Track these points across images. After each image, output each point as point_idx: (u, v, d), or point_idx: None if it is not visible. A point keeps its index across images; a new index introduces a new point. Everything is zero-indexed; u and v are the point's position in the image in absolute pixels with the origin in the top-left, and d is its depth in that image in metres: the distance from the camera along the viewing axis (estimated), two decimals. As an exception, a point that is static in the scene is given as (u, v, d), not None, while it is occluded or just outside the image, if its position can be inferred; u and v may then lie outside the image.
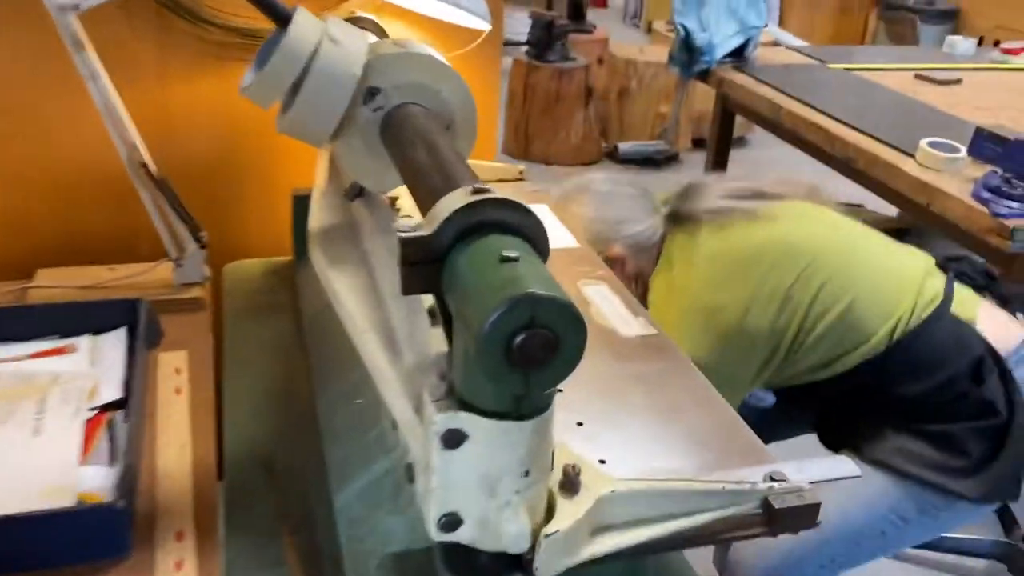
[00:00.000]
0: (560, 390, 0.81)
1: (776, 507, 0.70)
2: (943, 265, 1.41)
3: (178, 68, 1.36)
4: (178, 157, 1.37)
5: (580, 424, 0.82)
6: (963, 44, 3.32)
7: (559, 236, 1.23)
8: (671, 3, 3.18)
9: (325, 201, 0.99)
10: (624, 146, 4.50)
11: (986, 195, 1.91)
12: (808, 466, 0.77)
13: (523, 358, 0.53)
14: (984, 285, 1.42)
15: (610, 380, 0.90)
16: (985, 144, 2.06)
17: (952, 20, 5.07)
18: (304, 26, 0.82)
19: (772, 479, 0.74)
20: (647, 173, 4.49)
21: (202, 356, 1.15)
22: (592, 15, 7.98)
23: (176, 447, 0.98)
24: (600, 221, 1.41)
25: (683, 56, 3.14)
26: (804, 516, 0.71)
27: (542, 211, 1.32)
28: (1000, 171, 1.94)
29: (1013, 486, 1.27)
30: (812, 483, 0.74)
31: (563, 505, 0.64)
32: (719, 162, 3.32)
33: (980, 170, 2.01)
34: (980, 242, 1.91)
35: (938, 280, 1.34)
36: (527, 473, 0.60)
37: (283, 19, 0.82)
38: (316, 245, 0.92)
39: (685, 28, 3.08)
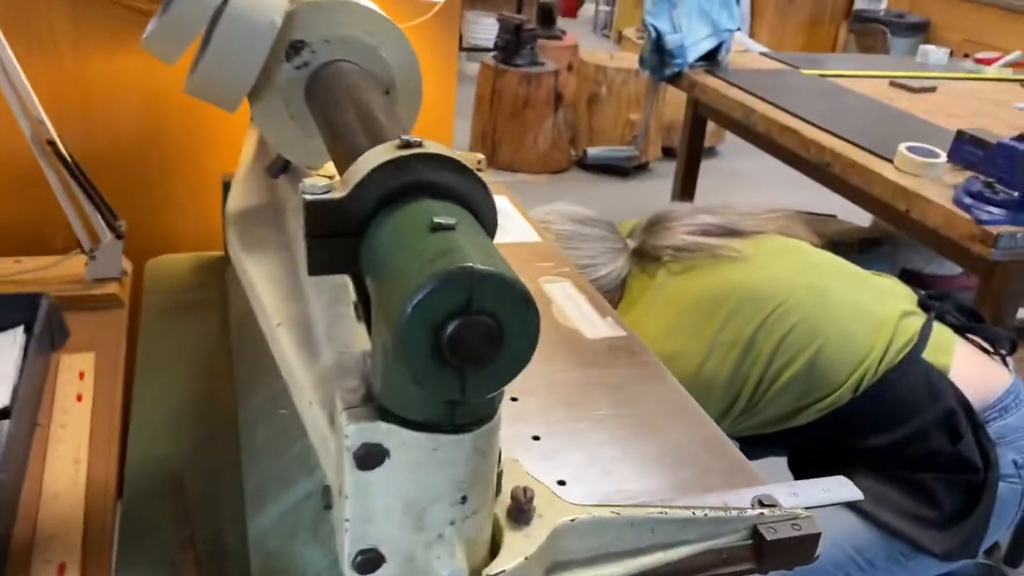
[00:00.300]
0: (515, 399, 0.69)
1: (768, 538, 0.58)
2: (925, 304, 1.32)
3: (96, 39, 1.22)
4: (96, 138, 1.23)
5: (536, 438, 0.70)
6: (936, 53, 3.28)
7: (519, 228, 1.12)
8: (642, 11, 3.10)
9: (249, 180, 0.87)
10: (593, 150, 4.40)
11: (968, 201, 1.83)
12: (804, 489, 0.66)
13: (457, 352, 0.41)
14: (967, 327, 1.34)
15: (573, 388, 0.78)
16: (966, 148, 1.99)
17: (922, 33, 5.05)
18: (213, -33, 0.69)
19: (762, 504, 0.62)
20: (615, 183, 4.40)
21: (112, 359, 1.01)
22: (561, 24, 7.92)
23: (69, 462, 0.85)
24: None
25: (654, 59, 3.05)
26: (800, 549, 0.59)
27: (501, 202, 1.21)
28: (981, 176, 1.86)
29: (976, 544, 1.21)
30: (808, 509, 0.63)
31: (511, 538, 0.52)
32: (689, 172, 3.23)
33: (960, 176, 1.94)
34: (961, 249, 1.83)
35: (916, 320, 1.25)
36: (464, 499, 0.47)
37: (191, -42, 0.70)
38: (232, 229, 0.79)
39: (656, 29, 2.99)
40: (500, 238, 1.04)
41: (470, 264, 0.40)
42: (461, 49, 6.26)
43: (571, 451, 0.69)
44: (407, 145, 0.48)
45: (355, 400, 0.47)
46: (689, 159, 3.18)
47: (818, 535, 0.60)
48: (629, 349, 0.84)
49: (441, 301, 0.40)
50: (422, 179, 0.47)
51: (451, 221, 0.44)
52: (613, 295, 1.36)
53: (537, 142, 4.46)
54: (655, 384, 0.79)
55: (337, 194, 0.47)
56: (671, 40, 2.95)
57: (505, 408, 0.67)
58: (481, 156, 1.31)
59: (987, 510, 1.18)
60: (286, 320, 0.63)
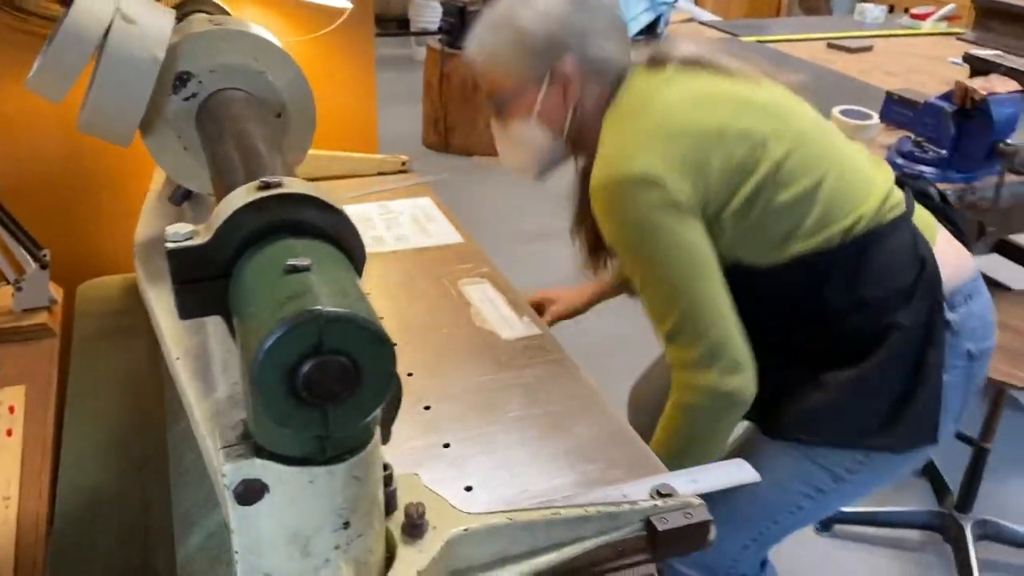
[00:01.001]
0: (428, 407, 0.70)
1: (660, 529, 0.61)
2: (901, 181, 1.31)
3: (9, 68, 1.21)
4: (17, 167, 1.23)
5: (447, 446, 0.72)
6: (873, 11, 3.30)
7: (442, 231, 1.13)
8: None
9: (155, 209, 0.87)
10: (543, 132, 4.41)
11: (900, 160, 1.86)
12: (702, 475, 0.68)
13: (314, 392, 0.42)
14: (940, 208, 1.32)
15: (487, 392, 0.80)
16: (896, 109, 2.02)
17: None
18: (91, 4, 0.70)
19: (659, 494, 0.65)
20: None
21: (43, 391, 1.02)
22: None
23: None
24: (562, 23, 1.14)
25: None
26: (692, 537, 0.62)
27: (426, 204, 1.22)
28: (912, 136, 1.90)
29: (930, 429, 1.21)
30: (703, 494, 0.65)
31: (405, 553, 0.54)
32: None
33: (894, 136, 1.97)
34: (896, 209, 1.86)
35: (899, 192, 1.24)
36: (347, 525, 0.49)
37: (68, -3, 0.70)
38: (138, 260, 0.79)
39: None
40: (423, 241, 1.06)
41: (319, 307, 0.42)
42: (409, 33, 6.22)
43: (480, 457, 0.71)
44: (267, 186, 0.49)
45: (233, 438, 0.48)
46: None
47: (708, 523, 0.62)
48: (543, 347, 0.86)
49: (292, 345, 0.42)
50: (282, 219, 0.49)
51: (305, 263, 0.45)
52: (602, 85, 1.17)
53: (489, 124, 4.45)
54: (566, 381, 0.81)
55: (200, 240, 0.48)
56: (610, 17, 2.96)
57: (417, 417, 0.69)
58: (405, 158, 1.32)
59: (930, 391, 1.18)
60: (185, 354, 0.64)
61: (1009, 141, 1.82)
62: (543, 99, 1.14)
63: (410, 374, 0.80)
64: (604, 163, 1.05)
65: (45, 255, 1.13)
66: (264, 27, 1.24)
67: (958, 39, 3.17)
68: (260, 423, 0.46)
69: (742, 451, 1.22)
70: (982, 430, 1.95)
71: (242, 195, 0.49)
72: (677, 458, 1.02)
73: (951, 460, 2.13)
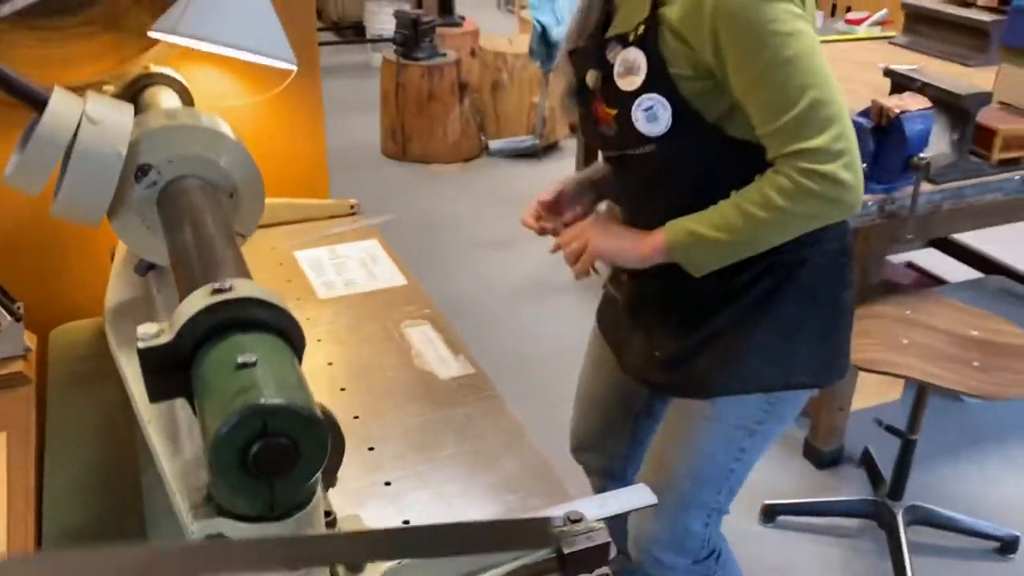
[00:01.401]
0: (371, 448, 0.81)
1: (566, 552, 0.72)
2: None
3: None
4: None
5: (388, 484, 0.83)
6: (809, 18, 3.44)
7: (385, 273, 1.23)
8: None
9: (122, 276, 0.97)
10: (495, 144, 4.52)
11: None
12: (608, 500, 0.79)
13: (261, 468, 0.53)
14: None
15: (425, 431, 0.90)
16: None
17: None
18: (60, 109, 0.79)
19: (570, 520, 0.76)
20: (526, 165, 4.52)
21: (23, 437, 1.10)
22: (465, 2, 7.96)
23: (-10, 543, 0.95)
24: None
25: (542, 50, 3.17)
26: (595, 556, 0.73)
27: (372, 247, 1.32)
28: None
29: (845, 364, 1.30)
30: (606, 517, 0.77)
31: (348, 587, 0.65)
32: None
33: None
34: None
35: None
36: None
37: (38, 103, 0.79)
38: (108, 326, 0.89)
39: (541, 24, 3.10)
40: (370, 284, 1.16)
41: (262, 400, 0.52)
42: (366, 40, 6.29)
43: (418, 492, 0.81)
44: (219, 291, 0.60)
45: (198, 500, 0.59)
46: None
47: (607, 544, 0.73)
48: (476, 386, 0.97)
49: (241, 431, 0.52)
50: (232, 318, 0.59)
51: (252, 359, 0.55)
52: None
53: (446, 133, 4.55)
54: (496, 417, 0.92)
55: (165, 339, 0.58)
56: (556, 32, 3.07)
57: (362, 458, 0.80)
58: (354, 201, 1.42)
59: (849, 329, 1.27)
60: (155, 417, 0.74)
61: (922, 155, 1.96)
62: None
63: (356, 417, 0.91)
64: None
65: (19, 307, 1.21)
66: (220, 88, 1.34)
67: (890, 43, 3.32)
68: (219, 490, 0.57)
69: (668, 436, 1.33)
70: (909, 423, 2.09)
71: (198, 299, 0.59)
72: (748, 233, 1.08)
73: (886, 451, 2.27)
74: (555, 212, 1.30)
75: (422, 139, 4.55)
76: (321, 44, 6.27)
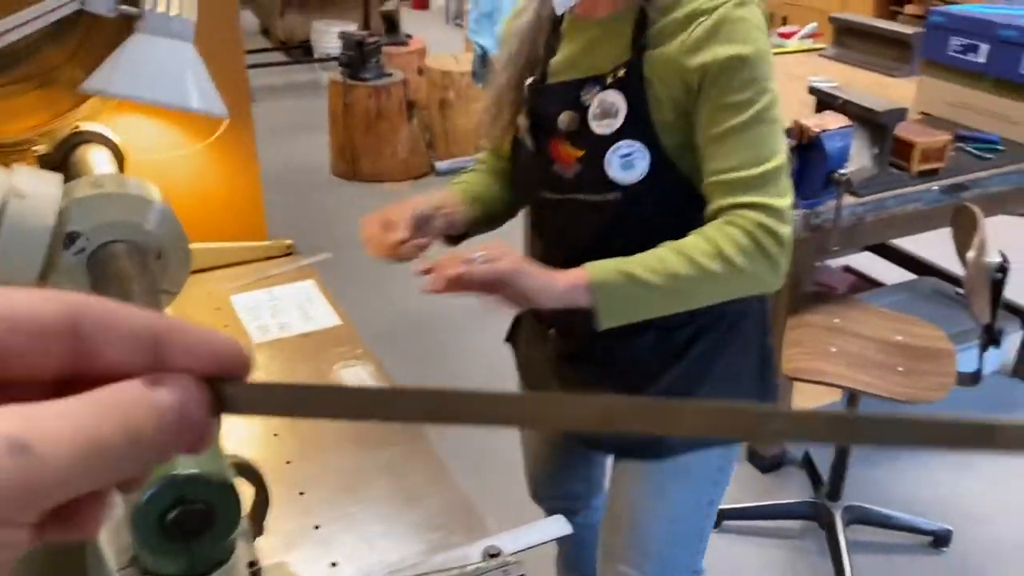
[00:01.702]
0: (302, 493, 0.86)
1: (483, 587, 0.77)
2: None
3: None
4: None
5: (317, 527, 0.87)
6: (743, 33, 3.54)
7: (321, 314, 1.27)
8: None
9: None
10: (441, 164, 4.59)
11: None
12: (524, 534, 0.85)
13: (179, 531, 0.57)
14: None
15: (353, 474, 0.95)
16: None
17: None
18: (-13, 185, 0.83)
19: (489, 555, 0.81)
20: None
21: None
22: (414, 17, 8.01)
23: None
24: None
25: (484, 72, 3.23)
26: (510, 590, 0.79)
27: (308, 288, 1.36)
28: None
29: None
30: (522, 550, 0.82)
31: (273, 632, 0.69)
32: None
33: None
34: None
35: None
36: (220, 619, 0.64)
37: (-34, 179, 0.83)
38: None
39: (482, 47, 3.16)
40: (305, 326, 1.20)
41: (178, 471, 0.57)
42: (314, 60, 6.31)
43: (345, 534, 0.86)
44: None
45: (125, 561, 0.63)
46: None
47: (523, 574, 0.79)
48: (404, 426, 1.02)
49: (160, 500, 0.57)
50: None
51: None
52: None
53: (396, 151, 4.59)
54: (420, 456, 0.97)
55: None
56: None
57: (293, 503, 0.85)
58: (289, 242, 1.46)
59: (774, 371, 1.29)
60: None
61: (842, 171, 2.05)
62: None
63: (288, 462, 0.96)
64: None
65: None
66: (155, 139, 1.37)
67: (820, 55, 3.43)
68: (142, 552, 0.61)
69: (635, 497, 1.28)
70: (842, 427, 2.17)
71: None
72: (689, 284, 1.00)
73: (826, 453, 2.36)
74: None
75: (372, 158, 4.59)
76: (269, 65, 6.29)
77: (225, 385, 0.28)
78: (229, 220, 1.50)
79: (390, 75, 4.56)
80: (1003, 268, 1.91)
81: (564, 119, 1.10)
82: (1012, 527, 2.30)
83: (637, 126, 1.06)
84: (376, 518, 0.88)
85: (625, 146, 1.06)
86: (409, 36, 5.33)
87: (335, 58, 4.70)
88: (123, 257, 0.85)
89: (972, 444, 0.28)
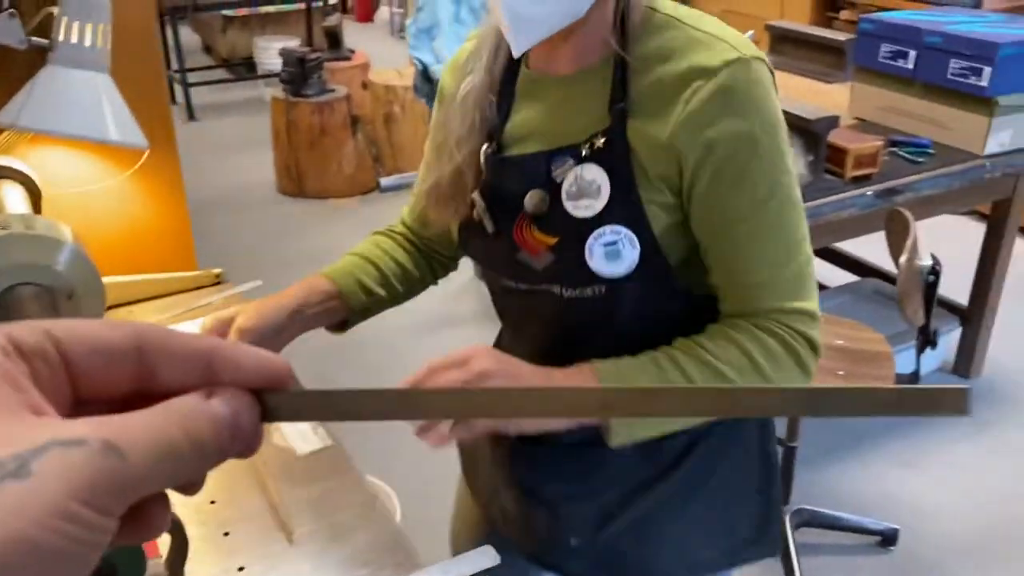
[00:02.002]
0: (227, 533, 0.84)
1: (409, 623, 0.76)
2: None
3: None
4: None
5: (241, 569, 0.85)
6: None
7: (251, 346, 1.25)
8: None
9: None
10: (386, 180, 4.57)
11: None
12: (452, 566, 0.84)
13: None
14: None
15: (280, 511, 0.93)
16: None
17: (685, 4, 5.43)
18: None
19: (417, 591, 0.80)
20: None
21: None
22: (358, 30, 7.97)
23: None
24: None
25: (426, 87, 3.21)
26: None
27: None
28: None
29: (777, 525, 1.11)
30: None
31: None
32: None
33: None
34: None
35: None
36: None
37: None
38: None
39: (422, 62, 3.15)
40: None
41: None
42: (257, 77, 6.24)
43: (271, 573, 0.84)
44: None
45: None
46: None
47: (450, 613, 0.78)
48: (333, 458, 1.01)
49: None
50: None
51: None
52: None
53: (341, 167, 4.56)
54: (349, 490, 0.96)
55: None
56: (436, 70, 3.12)
57: (217, 544, 0.83)
58: (219, 271, 1.44)
59: (778, 485, 1.10)
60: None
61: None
62: None
63: (213, 502, 0.93)
64: (727, 44, 0.84)
65: None
66: (75, 171, 1.34)
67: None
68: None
69: None
70: (788, 431, 2.20)
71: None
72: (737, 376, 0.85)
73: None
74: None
75: (317, 174, 4.55)
76: (212, 83, 6.20)
77: (270, 396, 0.31)
78: (156, 250, 1.47)
79: (333, 91, 4.53)
80: (935, 271, 1.95)
81: (531, 199, 0.91)
82: (957, 523, 2.34)
83: (623, 208, 0.87)
84: (303, 556, 0.87)
85: (610, 232, 0.87)
86: (352, 51, 5.31)
87: (278, 74, 4.65)
88: (31, 300, 0.82)
89: (912, 409, 0.31)
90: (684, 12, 0.89)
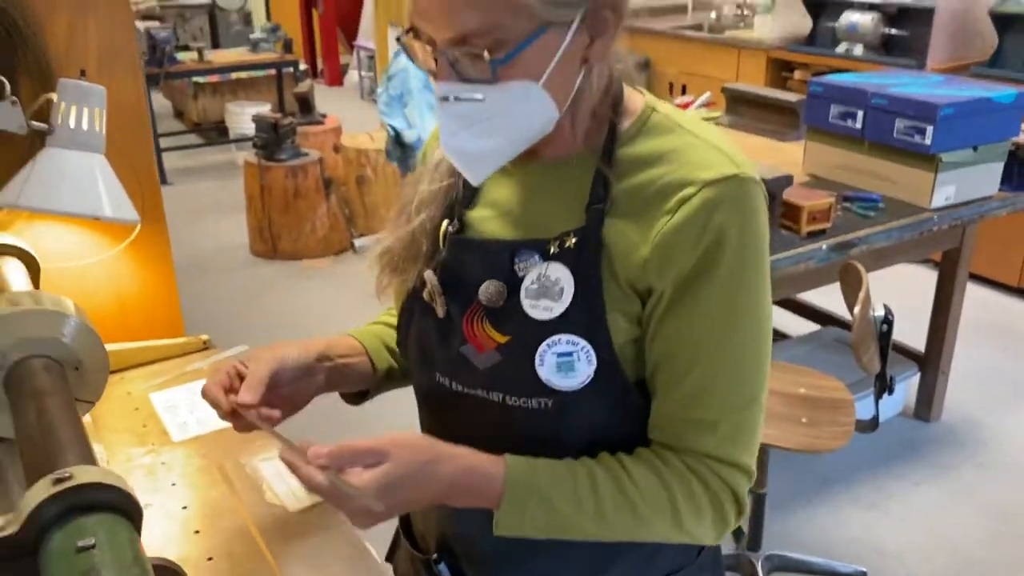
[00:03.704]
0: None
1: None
2: None
3: None
4: None
5: (240, 621, 0.91)
6: (643, 104, 3.72)
7: (240, 408, 1.31)
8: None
9: (-26, 446, 1.02)
10: (360, 242, 4.66)
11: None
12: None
13: (103, 637, 0.61)
14: None
15: (275, 567, 0.99)
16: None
17: (646, 70, 5.64)
18: (-96, 310, 0.86)
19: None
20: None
21: None
22: (328, 93, 8.13)
23: None
24: None
25: (397, 152, 3.33)
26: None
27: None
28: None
29: None
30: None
31: None
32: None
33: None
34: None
35: None
36: None
37: None
38: (-38, 499, 0.94)
39: (394, 128, 3.26)
40: (221, 422, 1.22)
41: (100, 580, 0.61)
42: (229, 141, 6.34)
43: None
44: (60, 481, 0.68)
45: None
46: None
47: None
48: (323, 513, 1.06)
49: (84, 611, 0.60)
50: (72, 504, 0.67)
51: (90, 542, 0.64)
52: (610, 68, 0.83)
53: (315, 228, 4.63)
54: (340, 543, 1.01)
55: (11, 530, 0.66)
56: (408, 135, 3.24)
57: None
58: (206, 337, 1.50)
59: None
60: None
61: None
62: (566, 49, 0.77)
63: (210, 559, 0.99)
64: (726, 156, 0.79)
65: None
66: (70, 246, 1.40)
67: (716, 123, 3.63)
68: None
69: None
70: (756, 479, 2.27)
71: (40, 491, 0.67)
72: (617, 530, 0.81)
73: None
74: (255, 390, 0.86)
75: (291, 236, 4.62)
76: (184, 147, 6.28)
77: None
78: (145, 319, 1.53)
79: (306, 154, 4.63)
80: (888, 320, 2.06)
81: (487, 289, 0.84)
82: (922, 564, 2.42)
83: (584, 316, 0.80)
84: (298, 608, 0.92)
85: (566, 342, 0.80)
86: (324, 115, 5.42)
87: (250, 138, 4.74)
88: (40, 372, 0.88)
89: None
90: (685, 118, 0.84)
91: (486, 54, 0.74)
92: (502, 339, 0.83)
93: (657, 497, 0.80)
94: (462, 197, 0.90)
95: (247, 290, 4.29)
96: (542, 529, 0.79)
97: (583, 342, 0.80)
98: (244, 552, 1.00)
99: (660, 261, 0.79)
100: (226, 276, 4.46)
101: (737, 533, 2.49)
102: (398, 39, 0.81)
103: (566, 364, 0.80)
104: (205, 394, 0.88)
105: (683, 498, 0.80)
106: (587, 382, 0.80)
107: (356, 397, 1.03)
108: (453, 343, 0.86)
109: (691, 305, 0.79)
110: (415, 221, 0.90)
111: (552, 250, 0.82)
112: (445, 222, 0.90)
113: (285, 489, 1.11)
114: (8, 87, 1.23)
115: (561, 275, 0.81)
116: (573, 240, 0.81)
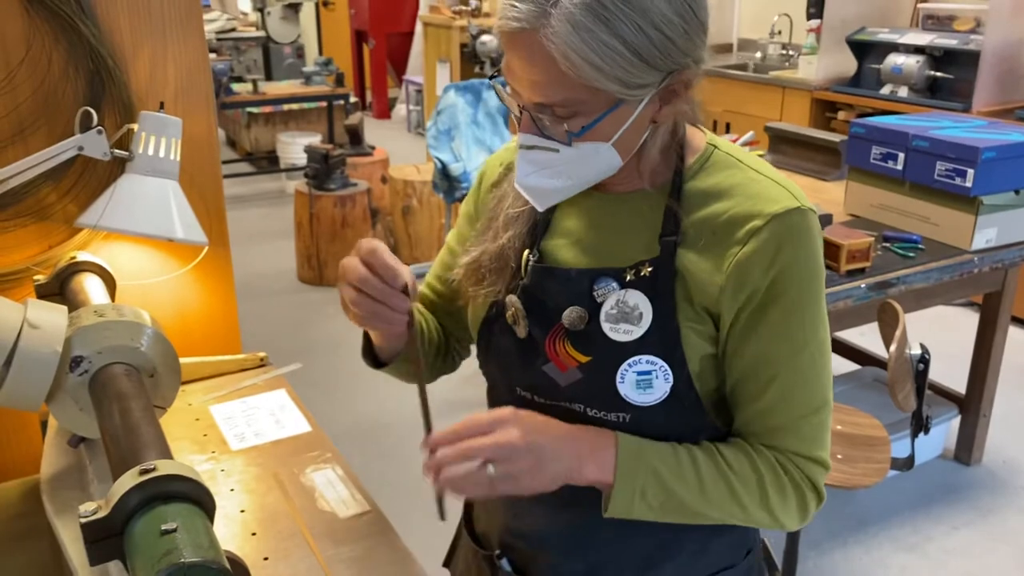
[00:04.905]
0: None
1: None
2: None
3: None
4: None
5: (294, 616, 0.97)
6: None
7: (292, 421, 1.38)
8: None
9: (56, 446, 1.10)
10: (405, 268, 4.73)
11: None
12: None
13: (184, 616, 0.68)
14: None
15: (325, 568, 1.05)
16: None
17: (689, 108, 5.70)
18: (3, 317, 0.95)
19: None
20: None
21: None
22: (376, 126, 8.32)
23: None
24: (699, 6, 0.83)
25: (444, 184, 3.42)
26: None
27: (280, 396, 1.47)
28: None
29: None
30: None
31: None
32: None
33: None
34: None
35: None
36: None
37: (-15, 312, 0.95)
38: (45, 492, 1.02)
39: (441, 161, 3.37)
40: (278, 433, 1.31)
41: (183, 560, 0.68)
42: (280, 170, 6.52)
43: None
44: (145, 472, 0.75)
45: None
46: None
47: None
48: (372, 521, 1.13)
49: (169, 585, 0.67)
50: (156, 494, 0.75)
51: (173, 527, 0.71)
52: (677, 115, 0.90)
53: (361, 257, 4.73)
54: (387, 550, 1.07)
55: (102, 514, 0.74)
56: (454, 168, 3.33)
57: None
58: (263, 354, 1.58)
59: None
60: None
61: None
62: (637, 115, 0.85)
63: (266, 559, 1.05)
64: (786, 190, 0.88)
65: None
66: (142, 265, 1.50)
67: (759, 162, 3.67)
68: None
69: None
70: (791, 513, 2.28)
71: (128, 480, 0.75)
72: (716, 507, 0.88)
73: (777, 539, 2.46)
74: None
75: (337, 263, 4.72)
76: (237, 175, 6.47)
77: None
78: (207, 335, 1.62)
79: (355, 185, 4.75)
80: (924, 359, 2.08)
81: (570, 315, 0.91)
82: (958, 606, 2.40)
83: (662, 338, 0.88)
84: (348, 607, 0.98)
85: (646, 362, 0.88)
86: (372, 147, 5.57)
87: (300, 168, 4.88)
88: (122, 377, 0.96)
89: None
90: (744, 154, 0.93)
91: (565, 126, 0.83)
92: (584, 359, 0.91)
93: (749, 479, 0.89)
94: (540, 227, 0.98)
95: (294, 314, 4.41)
96: (651, 495, 0.87)
97: (661, 362, 0.88)
98: (297, 554, 1.06)
99: (734, 287, 0.87)
100: (273, 300, 4.58)
101: (773, 568, 2.50)
102: (490, 77, 0.91)
103: (644, 382, 0.88)
104: (376, 256, 0.90)
105: (771, 483, 0.89)
106: (663, 398, 0.89)
107: (374, 361, 1.05)
108: (535, 362, 0.93)
109: (765, 328, 0.87)
110: (503, 237, 0.98)
111: (628, 277, 0.90)
112: (526, 252, 0.97)
113: (335, 497, 1.18)
114: (96, 118, 1.33)
115: (639, 301, 0.89)
116: (649, 269, 0.89)
